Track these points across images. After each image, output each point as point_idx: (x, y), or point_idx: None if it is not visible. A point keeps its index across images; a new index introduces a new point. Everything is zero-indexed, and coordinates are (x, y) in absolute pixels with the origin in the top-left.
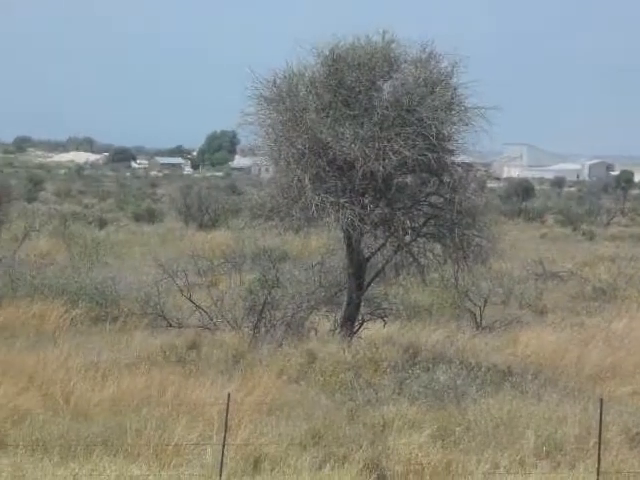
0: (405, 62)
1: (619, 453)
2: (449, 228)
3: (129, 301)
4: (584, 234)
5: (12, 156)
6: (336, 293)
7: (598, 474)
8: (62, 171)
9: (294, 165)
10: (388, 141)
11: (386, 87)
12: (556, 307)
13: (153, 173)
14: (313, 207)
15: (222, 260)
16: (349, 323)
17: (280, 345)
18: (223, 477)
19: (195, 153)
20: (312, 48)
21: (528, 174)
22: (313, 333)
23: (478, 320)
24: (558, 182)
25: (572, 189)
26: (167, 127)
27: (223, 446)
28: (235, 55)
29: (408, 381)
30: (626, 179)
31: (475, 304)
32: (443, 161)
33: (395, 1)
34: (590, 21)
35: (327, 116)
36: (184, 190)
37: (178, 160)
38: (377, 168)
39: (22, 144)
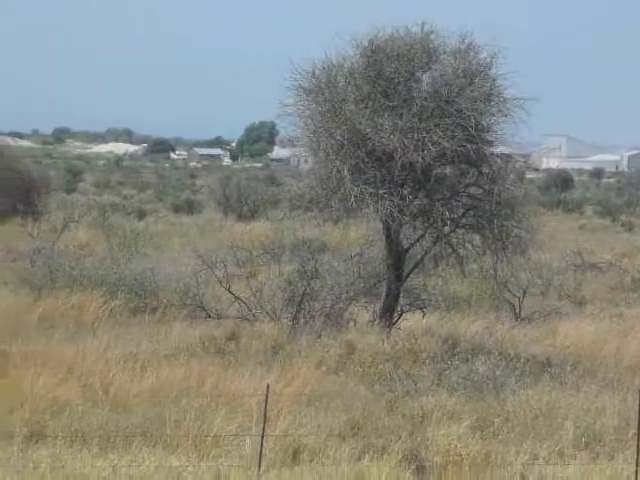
0: (444, 53)
1: None
2: (488, 219)
3: (168, 292)
4: (623, 225)
5: (51, 147)
6: (375, 284)
7: (637, 465)
8: (101, 162)
9: (333, 156)
10: (427, 132)
11: (425, 78)
12: (595, 298)
13: (192, 164)
14: (352, 198)
15: (261, 251)
16: (388, 314)
17: (319, 336)
18: (262, 468)
19: (234, 144)
20: (351, 39)
21: (567, 165)
22: (352, 324)
23: (517, 311)
24: (597, 173)
25: (611, 180)
26: (206, 118)
27: (262, 437)
28: (274, 47)
29: (447, 372)
30: None
31: (514, 295)
32: (482, 152)
33: None
34: (629, 12)
35: (366, 107)
36: (223, 181)
37: (217, 151)
38: (416, 159)
39: (61, 135)
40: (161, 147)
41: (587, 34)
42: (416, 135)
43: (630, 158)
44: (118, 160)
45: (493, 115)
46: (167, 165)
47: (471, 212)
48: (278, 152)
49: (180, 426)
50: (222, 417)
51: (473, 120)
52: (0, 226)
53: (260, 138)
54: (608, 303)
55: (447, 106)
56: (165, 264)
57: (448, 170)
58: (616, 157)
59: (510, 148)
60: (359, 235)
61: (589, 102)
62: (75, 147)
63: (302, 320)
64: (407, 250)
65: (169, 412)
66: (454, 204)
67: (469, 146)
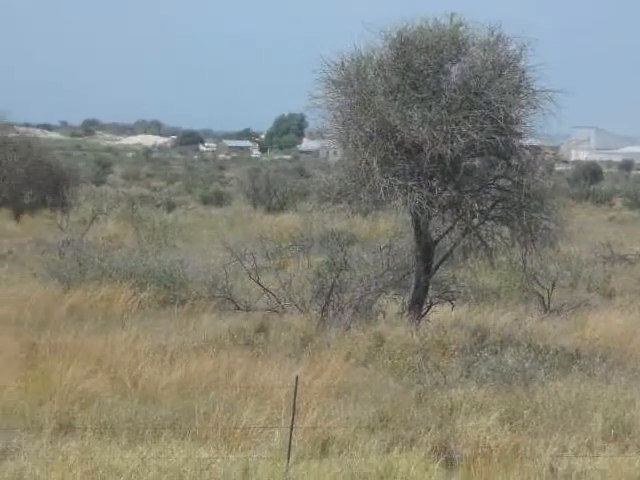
0: (473, 45)
1: None
2: (517, 211)
3: (197, 284)
4: None
5: (80, 139)
6: (404, 276)
7: None
8: (130, 154)
9: (362, 148)
10: (456, 124)
11: (454, 70)
12: (624, 290)
13: (221, 156)
14: (381, 190)
15: (290, 243)
16: (417, 306)
17: (348, 328)
18: (291, 460)
19: (263, 136)
20: (380, 31)
21: (596, 157)
22: (381, 316)
23: (546, 303)
24: (626, 165)
25: None
26: (235, 110)
27: (291, 429)
28: (304, 39)
29: (476, 364)
30: None
31: (543, 287)
32: (511, 144)
33: None
34: None
35: (395, 99)
36: (252, 173)
37: (246, 143)
38: (445, 151)
39: (90, 127)
40: (190, 139)
41: (617, 27)
42: (445, 127)
43: None
44: (147, 152)
45: (522, 107)
46: (196, 157)
47: (500, 204)
48: (307, 144)
49: (209, 418)
50: (251, 409)
51: (502, 112)
52: (29, 218)
53: (289, 130)
54: (637, 295)
55: (476, 98)
56: (194, 256)
57: (477, 162)
58: None
59: (539, 140)
60: (388, 227)
61: (618, 94)
62: (104, 139)
63: (331, 312)
64: (436, 242)
65: (198, 404)
66: (483, 196)
67: (498, 138)
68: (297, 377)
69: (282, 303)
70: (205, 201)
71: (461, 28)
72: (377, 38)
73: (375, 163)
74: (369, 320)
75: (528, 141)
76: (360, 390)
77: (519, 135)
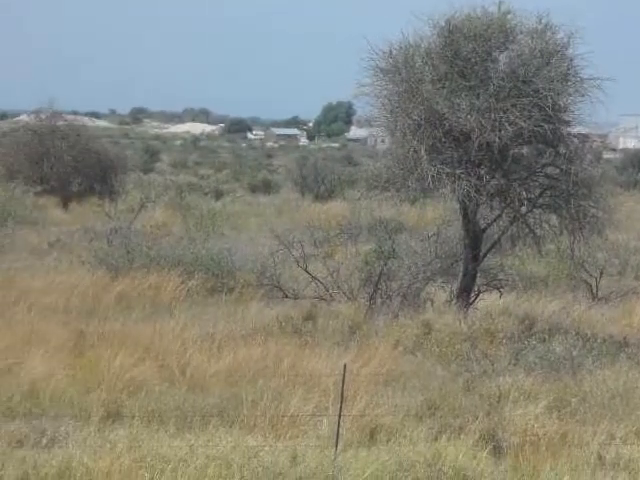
0: (521, 33)
1: None
2: (565, 199)
3: (245, 272)
4: None
5: (128, 127)
6: (452, 264)
7: None
8: (178, 142)
9: (410, 136)
10: (504, 112)
11: (502, 58)
12: None
13: (269, 144)
14: (429, 178)
15: (338, 231)
16: (465, 294)
17: (396, 316)
18: (339, 448)
19: (311, 124)
20: (428, 19)
21: None
22: (429, 304)
23: (594, 291)
24: None
25: None
26: (283, 98)
27: (339, 417)
28: (352, 26)
29: (524, 352)
30: None
31: (591, 275)
32: (559, 132)
33: None
34: None
35: (443, 87)
36: (300, 161)
37: (294, 131)
38: (493, 139)
39: (138, 115)
40: (238, 127)
41: None
42: (493, 115)
43: None
44: (195, 140)
45: (570, 95)
46: (244, 145)
47: (548, 192)
48: (355, 132)
49: (257, 406)
50: (299, 397)
51: (550, 100)
52: (77, 206)
53: (337, 118)
54: None
55: (524, 86)
56: (242, 244)
57: (525, 150)
58: None
59: (587, 128)
60: (436, 215)
61: None
62: (152, 127)
63: (379, 300)
64: (484, 230)
65: (246, 392)
66: (531, 184)
67: (546, 126)
68: (345, 365)
69: (330, 291)
70: (253, 189)
71: (509, 16)
72: (425, 26)
73: (423, 151)
74: (417, 308)
75: (576, 129)
76: (408, 378)
77: (567, 123)
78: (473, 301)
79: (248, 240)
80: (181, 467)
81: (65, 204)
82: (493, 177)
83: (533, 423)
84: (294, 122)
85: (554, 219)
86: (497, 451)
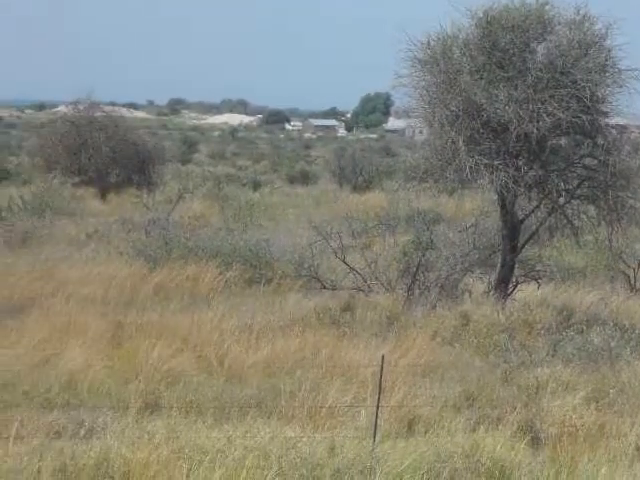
0: (559, 24)
1: None
2: (603, 190)
3: (283, 263)
4: None
5: (166, 118)
6: (490, 255)
7: None
8: (216, 133)
9: (448, 127)
10: (542, 103)
11: (540, 49)
12: None
13: (307, 135)
14: (467, 169)
15: (376, 222)
16: (503, 285)
17: (434, 307)
18: (377, 439)
19: (349, 115)
20: (466, 10)
21: None
22: (467, 295)
23: (632, 282)
24: None
25: None
26: (321, 89)
27: (377, 408)
28: (391, 17)
29: (562, 343)
30: None
31: (629, 266)
32: (597, 123)
33: None
34: None
35: (481, 78)
36: (338, 152)
37: (332, 122)
38: (531, 130)
39: (176, 106)
40: (276, 118)
41: None
42: (531, 106)
43: None
44: (233, 131)
45: (608, 86)
46: (282, 136)
47: (586, 183)
48: (393, 123)
49: (295, 397)
50: (337, 388)
51: (588, 91)
52: (115, 197)
53: (375, 109)
54: None
55: (562, 77)
56: (280, 235)
57: (563, 141)
58: None
59: (625, 119)
60: (474, 206)
61: None
62: (190, 118)
63: (417, 291)
64: (522, 221)
65: (284, 383)
66: (569, 175)
67: (584, 117)
68: (383, 356)
69: (368, 282)
70: (291, 180)
71: (547, 7)
72: (463, 17)
73: (461, 142)
74: (455, 299)
75: (614, 120)
76: (446, 369)
77: (605, 114)
78: (511, 292)
79: (286, 231)
80: (219, 458)
81: (103, 195)
82: (531, 168)
83: (571, 414)
84: (332, 113)
85: (592, 210)
86: (535, 442)
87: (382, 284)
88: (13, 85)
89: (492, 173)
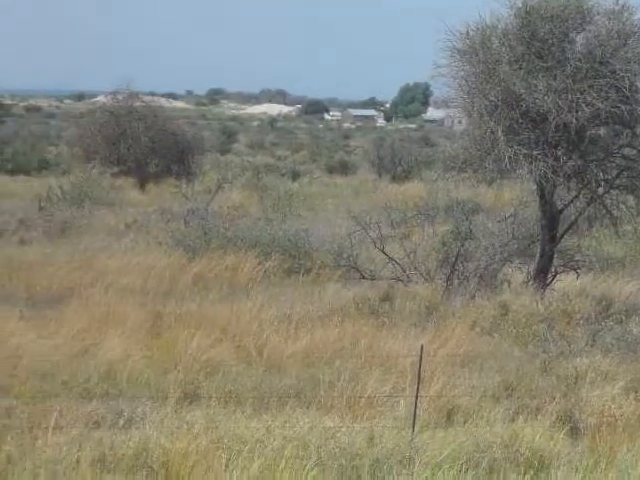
0: (598, 14)
1: None
2: None
3: (322, 253)
4: None
5: (205, 108)
6: (529, 245)
7: None
8: (255, 123)
9: (487, 117)
10: (581, 93)
11: (579, 39)
12: None
13: (346, 125)
14: (506, 159)
15: (415, 212)
16: (542, 275)
17: (473, 297)
18: (416, 429)
19: (388, 105)
20: (505, 0)
21: None
22: (506, 285)
23: None
24: None
25: None
26: (360, 79)
27: (416, 398)
28: (429, 7)
29: (601, 333)
30: None
31: None
32: (636, 113)
33: None
34: None
35: (520, 68)
36: (377, 142)
37: (371, 112)
38: (570, 120)
39: (215, 96)
40: (315, 108)
41: None
42: (570, 96)
43: None
44: (272, 121)
45: None
46: (321, 126)
47: (625, 173)
48: (432, 113)
49: (334, 387)
50: (376, 378)
51: (627, 81)
52: (154, 187)
53: (414, 99)
54: None
55: (601, 67)
56: (319, 225)
57: (602, 131)
58: None
59: None
60: (513, 196)
61: None
62: (229, 108)
63: (456, 281)
64: (561, 211)
65: (323, 373)
66: (608, 165)
67: (623, 107)
68: (422, 346)
69: (407, 272)
70: (330, 170)
71: None
72: (502, 7)
73: (500, 132)
74: (494, 289)
75: None
76: (485, 359)
77: None
78: (550, 282)
79: (325, 221)
80: (258, 448)
81: (142, 185)
82: (570, 158)
83: (610, 404)
84: (371, 103)
85: (631, 200)
86: (574, 432)
87: (421, 274)
88: (52, 75)
89: (531, 163)
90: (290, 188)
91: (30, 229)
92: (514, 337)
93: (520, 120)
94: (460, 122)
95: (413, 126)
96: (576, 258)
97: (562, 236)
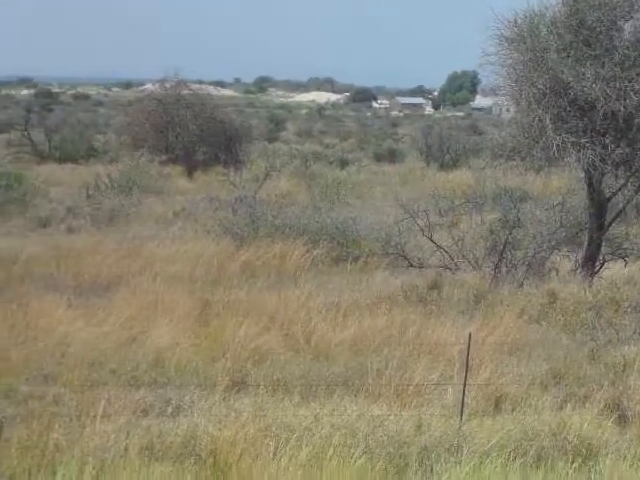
0: None
1: None
2: None
3: (370, 241)
4: None
5: (253, 96)
6: (577, 233)
7: None
8: (303, 111)
9: (535, 105)
10: (629, 81)
11: (627, 27)
12: None
13: (394, 113)
14: (554, 147)
15: (463, 200)
16: (590, 263)
17: (521, 285)
18: (464, 417)
19: (436, 93)
20: None
21: None
22: (554, 273)
23: None
24: None
25: None
26: (408, 67)
27: (464, 386)
28: None
29: None
30: None
31: None
32: None
33: None
34: None
35: (568, 56)
36: (425, 130)
37: (419, 100)
38: (618, 108)
39: (263, 84)
40: (363, 96)
41: None
42: (618, 84)
43: None
44: (320, 109)
45: None
46: (369, 114)
47: None
48: (480, 101)
49: (382, 375)
50: (424, 366)
51: None
52: (202, 175)
53: (462, 87)
54: None
55: None
56: (367, 213)
57: None
58: None
59: None
60: (561, 184)
61: None
62: (277, 96)
63: (504, 269)
64: (609, 199)
65: (371, 361)
66: None
67: None
68: (470, 334)
69: (455, 260)
70: (378, 158)
71: None
72: None
73: (548, 120)
74: (542, 277)
75: None
76: (533, 347)
77: None
78: (598, 270)
79: (373, 209)
80: (306, 436)
81: (190, 173)
82: (618, 146)
83: None
84: (419, 91)
85: None
86: (622, 420)
87: (469, 262)
88: (101, 63)
89: (579, 151)
90: (338, 176)
91: (78, 217)
92: (562, 325)
93: (568, 108)
94: (508, 110)
95: (461, 114)
96: (624, 246)
97: (610, 224)
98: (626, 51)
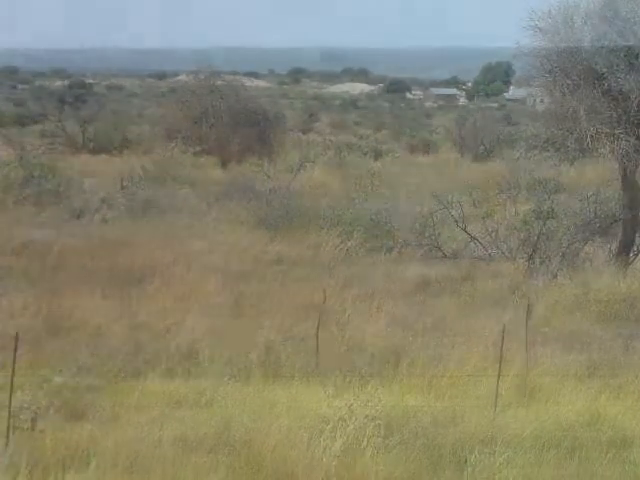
0: None
1: None
2: None
3: (404, 232)
4: None
5: (287, 87)
6: (611, 224)
7: None
8: (337, 102)
9: (569, 96)
10: None
11: None
12: None
13: (428, 104)
14: (588, 138)
15: (497, 191)
16: (624, 254)
17: (555, 276)
18: (498, 407)
19: (470, 84)
20: None
21: None
22: (588, 264)
23: None
24: None
25: None
26: (442, 58)
27: (498, 377)
28: None
29: None
30: None
31: None
32: None
33: None
34: None
35: (602, 47)
36: (459, 121)
37: (453, 91)
38: None
39: (297, 75)
40: (397, 87)
41: None
42: None
43: None
44: (354, 100)
45: None
46: (403, 105)
47: None
48: (514, 92)
49: (416, 366)
50: (458, 357)
51: None
52: (236, 166)
53: (496, 78)
54: None
55: None
56: (401, 204)
57: None
58: None
59: None
60: (595, 175)
61: None
62: (311, 87)
63: (538, 260)
64: None
65: (406, 352)
66: None
67: None
68: (504, 325)
69: (489, 251)
70: (412, 149)
71: None
72: None
73: (582, 111)
74: (576, 268)
75: None
76: (567, 338)
77: None
78: (632, 261)
79: (407, 200)
80: (340, 427)
81: (224, 164)
82: None
83: None
84: (453, 82)
85: None
86: None
87: (503, 253)
88: (134, 54)
89: (613, 142)
90: (372, 167)
91: (112, 208)
92: (596, 316)
93: (602, 99)
94: (542, 101)
95: (495, 105)
96: None
97: None
98: None
